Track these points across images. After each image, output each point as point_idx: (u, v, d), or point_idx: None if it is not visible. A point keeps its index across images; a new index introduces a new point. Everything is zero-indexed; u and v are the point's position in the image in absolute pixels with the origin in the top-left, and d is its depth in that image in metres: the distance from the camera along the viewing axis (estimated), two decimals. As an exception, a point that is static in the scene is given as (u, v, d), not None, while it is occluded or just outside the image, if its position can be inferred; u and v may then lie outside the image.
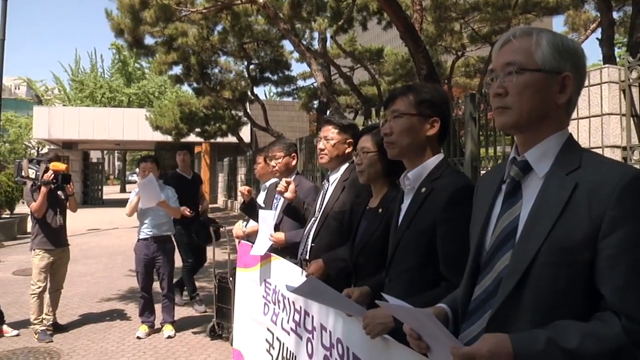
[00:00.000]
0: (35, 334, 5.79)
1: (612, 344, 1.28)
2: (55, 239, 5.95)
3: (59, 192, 6.04)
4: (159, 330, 6.04)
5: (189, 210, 6.47)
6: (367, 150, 2.73)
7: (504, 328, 1.39)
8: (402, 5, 9.72)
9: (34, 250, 5.90)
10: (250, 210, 4.85)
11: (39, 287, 5.84)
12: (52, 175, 5.83)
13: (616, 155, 4.41)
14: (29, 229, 15.01)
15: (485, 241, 1.59)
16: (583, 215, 1.35)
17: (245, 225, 5.11)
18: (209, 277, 7.73)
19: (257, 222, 4.26)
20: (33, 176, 5.89)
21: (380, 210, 2.66)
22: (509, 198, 1.55)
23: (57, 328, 6.09)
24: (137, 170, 6.71)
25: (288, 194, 3.77)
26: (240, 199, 4.60)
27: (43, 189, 5.76)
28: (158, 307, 6.16)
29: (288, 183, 3.79)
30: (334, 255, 3.07)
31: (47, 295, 6.01)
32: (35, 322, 5.83)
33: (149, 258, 5.98)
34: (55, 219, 5.95)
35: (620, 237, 1.31)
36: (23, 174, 5.94)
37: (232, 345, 4.73)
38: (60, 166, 5.98)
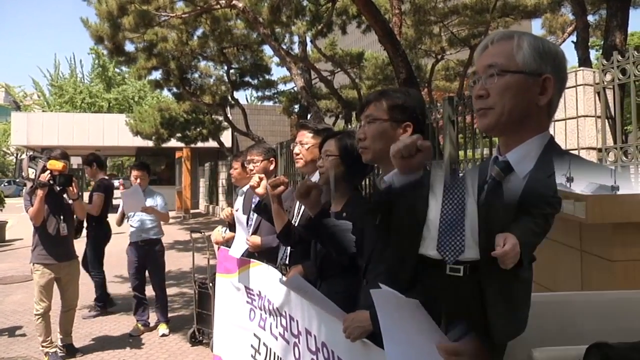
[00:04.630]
0: (46, 356, 5.22)
1: None
2: (57, 251, 5.19)
3: (65, 196, 5.26)
4: (153, 329, 6.28)
5: None
6: (330, 154, 2.76)
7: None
8: (381, 9, 9.78)
9: (33, 264, 5.19)
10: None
11: (42, 307, 5.16)
12: (49, 175, 5.04)
13: (592, 156, 4.47)
14: (7, 237, 14.88)
15: None
16: None
17: (225, 231, 5.09)
18: (189, 282, 7.67)
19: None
20: (32, 176, 5.13)
21: (344, 214, 2.67)
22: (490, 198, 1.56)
23: (70, 351, 5.48)
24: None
25: (260, 190, 3.74)
26: (221, 205, 4.61)
27: (39, 192, 4.97)
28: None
29: (261, 179, 3.75)
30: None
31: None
32: (44, 344, 5.20)
33: (139, 260, 6.24)
34: (58, 227, 5.17)
35: None
36: (24, 174, 5.28)
37: (212, 351, 4.70)
38: (57, 165, 5.06)
